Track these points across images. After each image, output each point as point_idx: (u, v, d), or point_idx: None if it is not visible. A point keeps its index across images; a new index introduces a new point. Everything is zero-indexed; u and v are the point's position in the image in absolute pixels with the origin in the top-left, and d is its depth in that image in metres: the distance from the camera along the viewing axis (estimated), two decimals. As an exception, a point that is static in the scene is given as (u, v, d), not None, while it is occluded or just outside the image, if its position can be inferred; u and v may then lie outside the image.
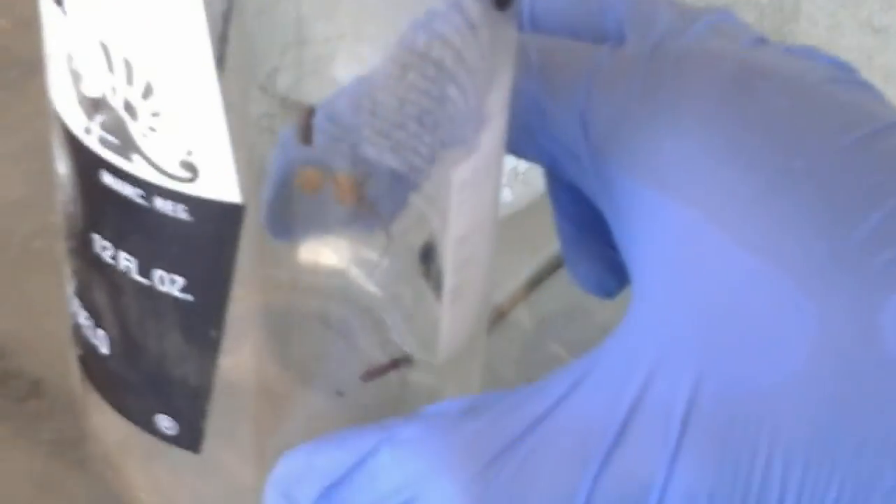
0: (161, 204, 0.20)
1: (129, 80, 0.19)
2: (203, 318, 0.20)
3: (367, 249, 0.24)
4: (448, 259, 0.22)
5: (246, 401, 0.23)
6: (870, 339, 0.19)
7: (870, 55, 0.50)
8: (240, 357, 0.22)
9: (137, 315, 0.21)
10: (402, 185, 0.22)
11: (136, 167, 0.19)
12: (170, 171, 0.19)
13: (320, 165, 0.21)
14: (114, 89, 0.19)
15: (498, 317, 0.38)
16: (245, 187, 0.19)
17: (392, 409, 0.22)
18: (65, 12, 0.19)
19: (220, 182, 0.19)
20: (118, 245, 0.21)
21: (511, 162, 0.34)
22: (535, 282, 0.39)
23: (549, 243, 0.38)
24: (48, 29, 0.20)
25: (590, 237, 0.26)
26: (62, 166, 0.21)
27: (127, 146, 0.19)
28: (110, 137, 0.20)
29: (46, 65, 0.21)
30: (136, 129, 0.19)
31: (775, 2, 0.52)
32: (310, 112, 0.21)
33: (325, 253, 0.25)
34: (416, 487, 0.20)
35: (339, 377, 0.24)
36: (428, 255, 0.23)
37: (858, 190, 0.20)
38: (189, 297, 0.20)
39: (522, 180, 0.38)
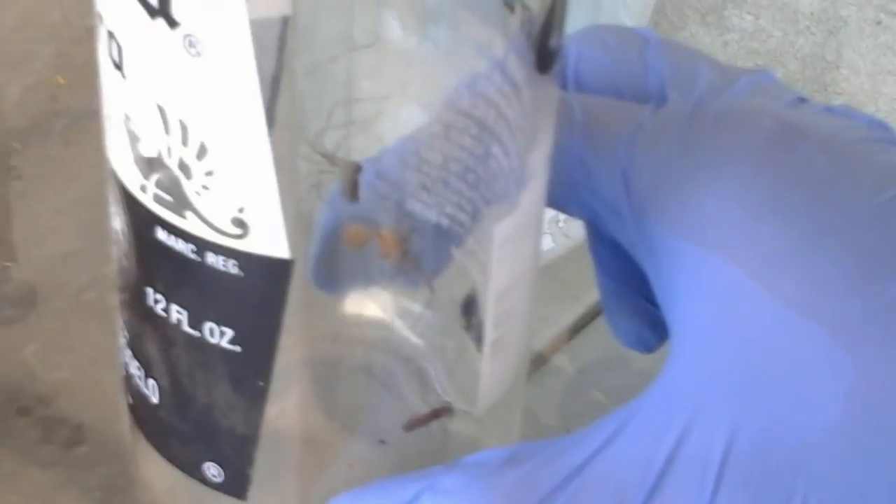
0: (213, 259, 0.20)
1: (185, 141, 0.19)
2: (251, 369, 0.21)
3: (411, 302, 0.25)
4: (489, 312, 0.22)
5: (291, 449, 0.23)
6: None
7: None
8: (285, 405, 0.23)
9: (187, 366, 0.21)
10: (445, 241, 0.23)
11: (189, 224, 0.20)
12: (221, 227, 0.20)
13: (366, 221, 0.22)
14: (169, 149, 0.20)
15: (539, 363, 0.38)
16: (294, 242, 0.20)
17: (433, 459, 0.23)
18: (124, 76, 0.20)
19: (270, 238, 0.20)
20: (170, 298, 0.21)
21: (551, 211, 0.34)
22: (576, 329, 0.39)
23: (589, 291, 0.38)
24: (107, 91, 0.21)
25: (630, 292, 0.26)
26: (117, 222, 0.22)
27: (181, 204, 0.20)
28: (165, 195, 0.20)
29: (104, 125, 0.21)
30: (189, 187, 0.20)
31: (817, 51, 0.52)
32: (356, 169, 0.21)
33: (369, 305, 0.25)
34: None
35: (382, 426, 0.24)
36: (469, 308, 0.23)
37: (892, 246, 0.20)
38: (238, 349, 0.21)
39: (562, 230, 0.39)
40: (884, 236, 0.21)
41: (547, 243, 0.40)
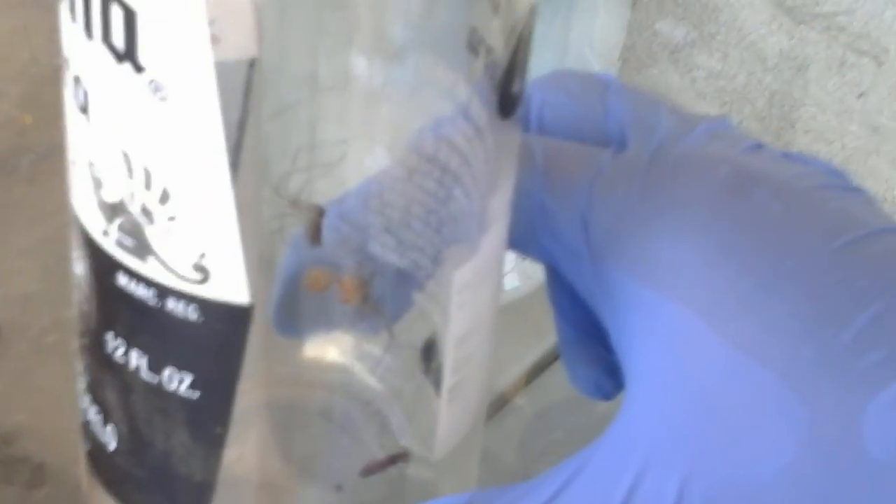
0: (173, 305, 0.20)
1: (148, 186, 0.19)
2: (209, 415, 0.21)
3: (371, 345, 0.25)
4: (448, 358, 0.22)
5: (247, 494, 0.23)
6: (853, 440, 0.19)
7: (877, 144, 0.51)
8: (243, 450, 0.23)
9: (146, 412, 0.21)
10: (406, 285, 0.23)
11: (150, 269, 0.20)
12: (182, 273, 0.20)
13: (329, 265, 0.22)
14: (132, 195, 0.20)
15: (500, 403, 0.38)
16: (255, 287, 0.20)
17: None
18: (89, 120, 0.20)
19: (231, 284, 0.20)
20: (130, 343, 0.21)
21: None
22: (538, 369, 0.39)
23: (551, 331, 0.38)
24: (72, 136, 0.21)
25: (588, 339, 0.26)
26: (79, 266, 0.22)
27: (142, 249, 0.20)
28: (127, 240, 0.20)
29: (69, 171, 0.21)
30: (152, 232, 0.20)
31: (784, 88, 0.52)
32: (319, 212, 0.21)
33: (329, 349, 0.25)
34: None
35: (339, 471, 0.24)
36: (429, 353, 0.23)
37: (846, 292, 0.21)
38: (196, 395, 0.21)
39: (524, 271, 0.39)
40: (837, 282, 0.21)
41: (512, 282, 0.40)
